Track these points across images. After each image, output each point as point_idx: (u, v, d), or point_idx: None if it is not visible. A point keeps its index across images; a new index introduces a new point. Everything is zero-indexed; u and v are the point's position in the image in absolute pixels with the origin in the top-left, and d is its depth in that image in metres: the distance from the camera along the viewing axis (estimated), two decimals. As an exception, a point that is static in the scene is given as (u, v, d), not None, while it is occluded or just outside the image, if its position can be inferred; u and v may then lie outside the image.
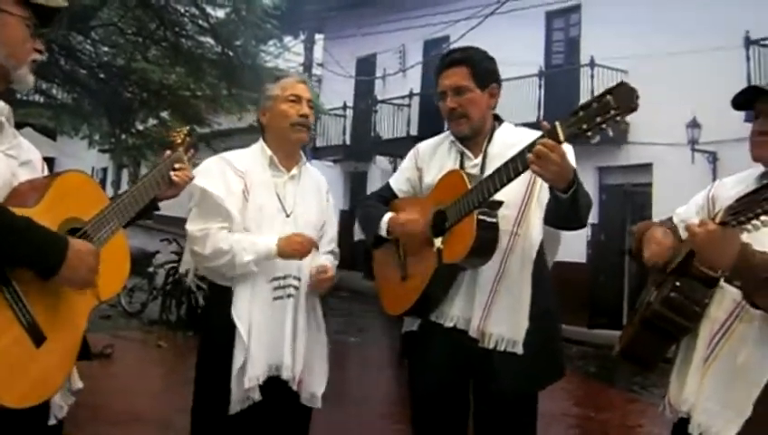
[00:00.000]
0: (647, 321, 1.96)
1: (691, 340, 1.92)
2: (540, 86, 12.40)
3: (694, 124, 10.40)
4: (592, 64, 11.31)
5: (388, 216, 2.46)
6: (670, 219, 2.12)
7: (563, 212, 2.16)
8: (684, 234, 1.93)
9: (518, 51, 12.39)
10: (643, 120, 10.87)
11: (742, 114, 1.99)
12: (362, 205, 2.67)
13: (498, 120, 2.47)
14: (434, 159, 2.50)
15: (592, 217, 11.84)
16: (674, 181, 9.66)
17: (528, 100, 11.98)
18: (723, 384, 1.81)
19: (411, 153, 2.60)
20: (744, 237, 1.68)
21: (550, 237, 2.37)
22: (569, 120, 1.95)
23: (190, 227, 2.47)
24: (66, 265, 1.56)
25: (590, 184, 11.95)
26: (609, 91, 1.89)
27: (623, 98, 1.86)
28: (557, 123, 1.99)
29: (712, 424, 1.81)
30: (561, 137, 1.96)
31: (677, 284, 1.89)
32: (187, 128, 2.29)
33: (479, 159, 2.39)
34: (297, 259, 2.42)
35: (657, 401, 2.05)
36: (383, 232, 2.45)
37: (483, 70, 2.40)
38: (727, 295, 1.82)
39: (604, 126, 1.89)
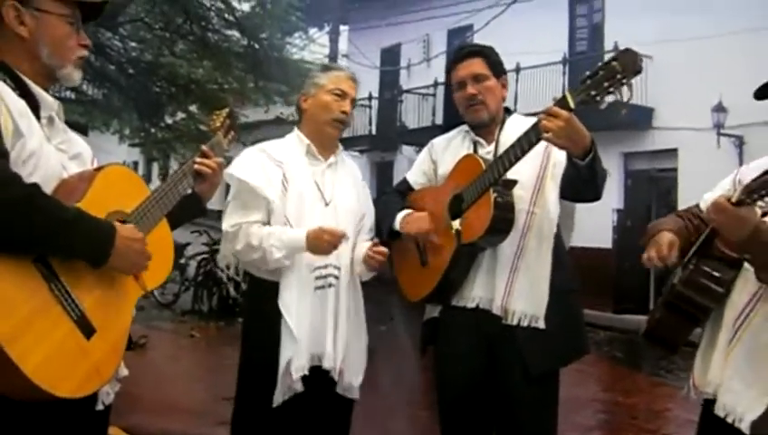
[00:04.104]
0: (670, 302, 1.98)
1: (715, 323, 1.92)
2: (564, 73, 12.29)
3: (719, 108, 10.24)
4: (616, 51, 11.19)
5: (401, 215, 2.52)
6: (697, 206, 2.12)
7: (582, 181, 2.22)
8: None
9: (542, 38, 12.34)
10: (668, 104, 10.81)
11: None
12: (380, 200, 2.71)
13: (507, 111, 2.56)
14: (447, 151, 2.57)
15: (618, 203, 11.89)
16: (699, 166, 9.55)
17: (552, 87, 11.91)
18: (746, 364, 1.81)
19: (426, 148, 2.69)
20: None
21: (564, 220, 2.43)
22: (578, 88, 2.06)
23: (224, 223, 2.47)
24: (115, 251, 1.58)
25: (615, 170, 11.87)
26: (614, 58, 2.02)
27: (628, 62, 1.99)
28: (566, 93, 2.10)
29: (737, 404, 1.82)
30: (572, 104, 2.06)
31: (699, 264, 1.91)
32: (227, 109, 2.22)
33: (492, 147, 2.47)
34: (326, 254, 2.39)
35: (683, 385, 2.06)
36: (397, 227, 2.51)
37: (496, 61, 2.51)
38: (751, 277, 1.82)
39: (612, 90, 2.01)
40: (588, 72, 2.06)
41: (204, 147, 2.03)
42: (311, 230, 2.36)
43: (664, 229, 2.02)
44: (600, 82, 2.01)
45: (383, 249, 2.45)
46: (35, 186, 1.50)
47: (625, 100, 2.02)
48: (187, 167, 1.96)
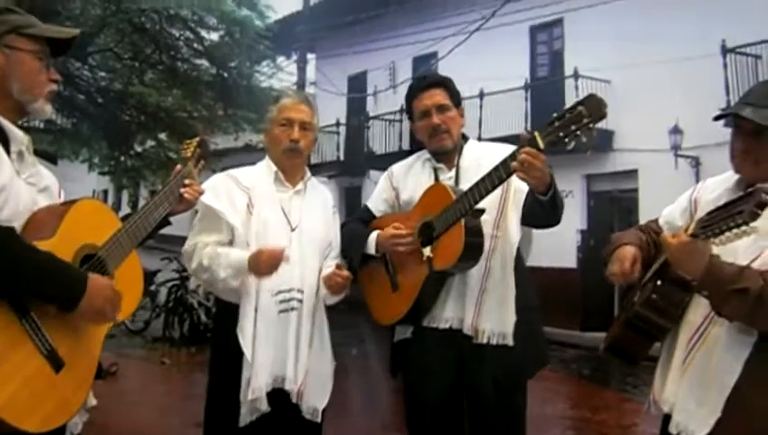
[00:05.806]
0: (629, 321, 2.03)
1: (672, 342, 1.98)
2: (526, 98, 12.55)
3: (676, 130, 10.54)
4: (576, 76, 11.48)
5: (375, 233, 2.57)
6: (656, 221, 2.18)
7: (545, 213, 2.34)
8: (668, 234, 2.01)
9: (504, 65, 12.62)
10: (628, 127, 11.11)
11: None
12: (343, 228, 2.72)
13: (464, 137, 2.66)
14: (408, 178, 2.66)
15: (582, 224, 12.13)
16: (658, 186, 9.82)
17: (515, 111, 12.19)
18: (698, 385, 1.87)
19: (385, 175, 2.76)
20: (716, 250, 1.73)
21: (523, 239, 2.54)
22: (546, 129, 2.14)
23: (186, 244, 2.51)
24: (85, 300, 1.59)
25: (578, 191, 12.13)
26: (580, 103, 2.10)
27: (593, 107, 2.08)
28: (536, 133, 2.17)
29: (688, 423, 1.87)
30: (541, 145, 2.14)
31: (657, 286, 1.96)
32: (198, 139, 2.25)
33: (452, 172, 2.58)
34: (267, 275, 2.42)
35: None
36: (371, 250, 2.57)
37: (455, 92, 2.63)
38: (703, 300, 1.86)
39: (579, 133, 2.08)
40: (555, 114, 2.13)
41: (185, 177, 2.11)
42: (251, 253, 2.41)
43: (626, 243, 2.08)
44: (567, 126, 2.09)
45: (345, 272, 2.50)
46: (10, 229, 1.53)
47: (586, 141, 2.08)
48: (158, 199, 1.99)
